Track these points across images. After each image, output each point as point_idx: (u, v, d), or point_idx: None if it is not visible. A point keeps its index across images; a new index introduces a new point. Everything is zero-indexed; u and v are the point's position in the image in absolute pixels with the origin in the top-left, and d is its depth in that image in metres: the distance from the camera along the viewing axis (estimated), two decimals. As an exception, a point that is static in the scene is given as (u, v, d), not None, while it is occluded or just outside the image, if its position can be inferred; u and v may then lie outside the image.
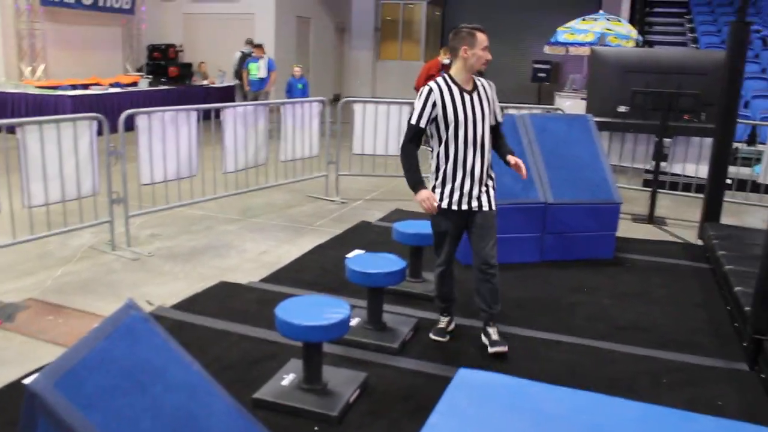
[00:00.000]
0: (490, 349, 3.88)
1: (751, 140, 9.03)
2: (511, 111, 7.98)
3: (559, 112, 8.20)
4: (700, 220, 6.50)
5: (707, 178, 6.43)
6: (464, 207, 3.78)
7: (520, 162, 3.86)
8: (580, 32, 12.19)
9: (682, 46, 15.03)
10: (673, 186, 8.03)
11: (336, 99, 15.67)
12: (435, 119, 3.66)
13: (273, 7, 16.53)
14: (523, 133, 5.89)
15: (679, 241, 6.57)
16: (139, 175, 6.00)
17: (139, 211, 6.20)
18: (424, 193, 3.69)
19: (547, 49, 15.49)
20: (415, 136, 3.69)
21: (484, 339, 4.00)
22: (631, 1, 16.79)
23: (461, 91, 3.67)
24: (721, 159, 6.22)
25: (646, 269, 5.62)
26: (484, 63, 3.69)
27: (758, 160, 7.97)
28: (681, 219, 7.43)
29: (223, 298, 4.70)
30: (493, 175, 3.93)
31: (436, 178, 3.79)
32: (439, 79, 3.69)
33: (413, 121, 3.67)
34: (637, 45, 12.70)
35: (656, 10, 16.55)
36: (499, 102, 4.00)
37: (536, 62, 21.14)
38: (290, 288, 4.86)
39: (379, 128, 7.79)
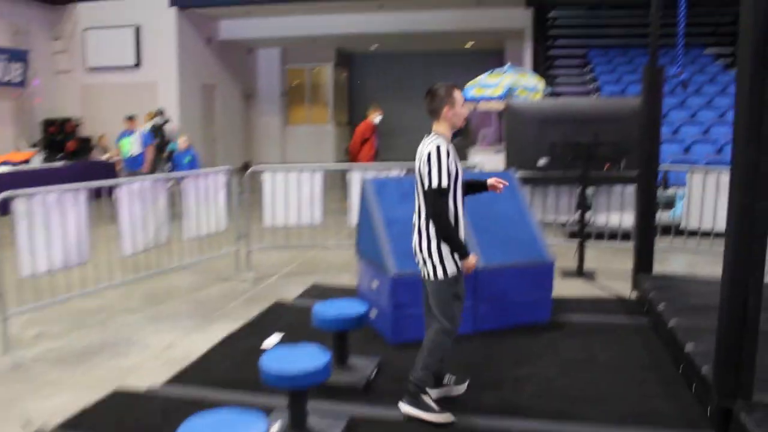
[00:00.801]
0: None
1: (664, 184, 9.07)
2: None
3: (477, 170, 7.94)
4: (632, 272, 6.27)
5: (635, 227, 6.24)
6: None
7: (496, 180, 3.96)
8: (489, 86, 12.19)
9: (584, 96, 15.39)
10: (599, 236, 7.86)
11: (246, 167, 15.14)
12: (449, 176, 3.56)
13: (176, 75, 15.96)
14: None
15: (613, 296, 6.31)
16: (18, 266, 5.25)
17: (20, 308, 5.42)
18: (473, 259, 3.65)
19: (457, 106, 15.53)
20: (445, 199, 3.56)
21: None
22: (533, 54, 17.17)
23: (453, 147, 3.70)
24: (646, 206, 6.05)
25: (586, 331, 5.29)
26: (465, 118, 3.76)
27: (671, 204, 7.95)
28: (610, 270, 7.23)
29: (119, 410, 3.99)
30: None
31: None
32: (438, 137, 3.63)
33: (443, 184, 3.52)
34: (545, 96, 12.83)
35: (557, 62, 16.97)
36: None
37: (449, 120, 21.36)
38: (199, 390, 4.21)
39: (291, 196, 7.32)
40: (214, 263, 7.42)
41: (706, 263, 7.63)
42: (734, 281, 3.32)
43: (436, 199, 3.53)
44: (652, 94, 5.79)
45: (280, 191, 7.29)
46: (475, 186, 3.98)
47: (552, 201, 7.68)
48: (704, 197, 7.27)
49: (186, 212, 6.91)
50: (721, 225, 7.21)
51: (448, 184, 3.54)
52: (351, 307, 4.28)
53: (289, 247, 7.85)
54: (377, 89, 22.43)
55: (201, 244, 7.23)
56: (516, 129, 7.39)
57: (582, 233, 6.97)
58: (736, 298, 3.30)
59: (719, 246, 7.24)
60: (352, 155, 11.37)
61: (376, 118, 11.60)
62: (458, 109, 3.70)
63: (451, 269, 3.65)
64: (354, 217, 7.49)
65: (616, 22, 17.47)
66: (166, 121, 12.52)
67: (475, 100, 13.27)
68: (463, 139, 19.67)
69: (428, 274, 3.69)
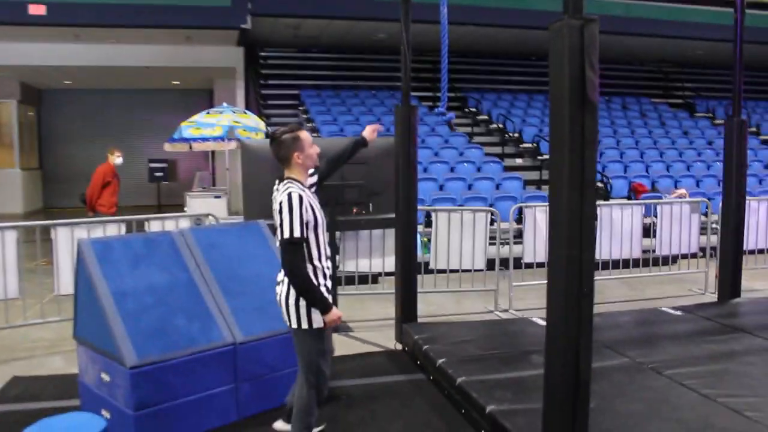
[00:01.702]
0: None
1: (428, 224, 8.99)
2: (155, 223, 6.56)
3: (211, 218, 7.00)
4: (396, 321, 5.85)
5: (396, 273, 5.84)
6: None
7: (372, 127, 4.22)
8: (207, 126, 11.28)
9: (303, 136, 15.17)
10: (349, 282, 7.41)
11: None
12: (307, 224, 3.35)
13: None
14: (187, 255, 4.54)
15: (379, 349, 5.82)
16: None
17: None
18: (336, 312, 3.45)
19: (167, 147, 14.27)
20: (300, 250, 3.34)
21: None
22: (245, 94, 16.61)
23: (310, 192, 3.56)
24: (407, 251, 5.69)
25: (365, 398, 4.67)
26: (316, 158, 3.60)
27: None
28: (364, 319, 6.79)
29: None
30: None
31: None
32: (291, 184, 3.44)
33: (295, 234, 3.29)
34: (267, 137, 12.28)
35: (270, 102, 16.63)
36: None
37: (152, 161, 19.81)
38: None
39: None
40: None
41: (452, 302, 7.63)
42: (563, 345, 2.93)
43: (290, 251, 3.32)
44: (407, 135, 5.48)
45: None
46: (353, 150, 4.15)
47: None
48: (450, 236, 7.24)
49: None
50: (465, 262, 7.38)
51: (304, 235, 3.32)
52: (80, 428, 3.10)
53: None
54: (73, 129, 20.03)
55: None
56: (253, 172, 6.60)
57: (334, 281, 6.41)
58: (567, 361, 2.91)
59: (466, 283, 7.52)
60: (90, 203, 9.81)
61: (116, 158, 10.07)
62: (308, 151, 3.53)
63: (317, 321, 3.40)
64: (64, 284, 6.06)
65: (327, 64, 17.74)
66: None
67: (191, 141, 12.28)
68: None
69: (291, 325, 3.48)
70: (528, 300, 7.73)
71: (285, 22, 14.83)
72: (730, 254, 6.79)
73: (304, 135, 3.55)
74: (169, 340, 4.00)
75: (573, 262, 2.89)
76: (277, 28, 15.27)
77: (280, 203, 3.34)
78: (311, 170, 3.71)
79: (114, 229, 6.29)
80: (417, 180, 5.71)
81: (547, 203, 10.31)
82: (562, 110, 2.85)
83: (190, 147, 13.00)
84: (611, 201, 9.75)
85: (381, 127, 4.31)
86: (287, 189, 3.39)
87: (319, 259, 3.46)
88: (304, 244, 3.35)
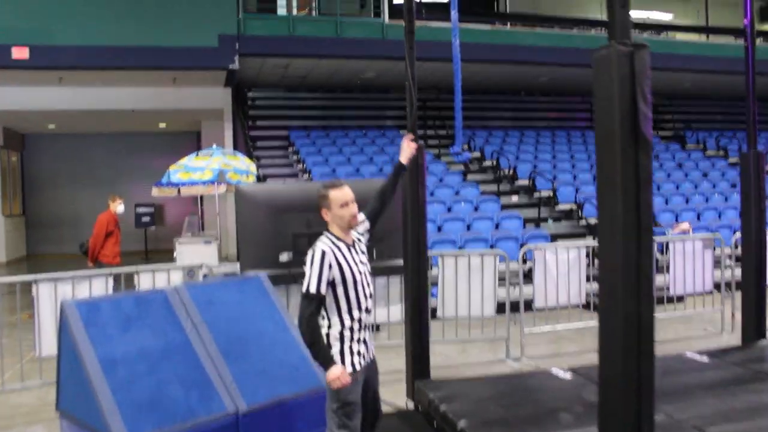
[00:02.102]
0: None
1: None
2: (145, 276, 6.15)
3: (204, 269, 6.59)
4: (407, 378, 5.43)
5: (406, 324, 5.44)
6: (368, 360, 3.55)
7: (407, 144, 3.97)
8: (196, 170, 10.92)
9: (293, 177, 14.91)
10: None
11: None
12: (332, 282, 3.37)
13: None
14: (182, 315, 4.13)
15: (391, 409, 5.37)
16: None
17: None
18: (335, 372, 3.32)
19: (155, 192, 13.93)
20: (314, 305, 3.35)
21: None
22: (233, 135, 16.31)
23: (348, 247, 3.50)
24: (417, 301, 5.29)
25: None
26: (351, 219, 3.46)
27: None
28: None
29: None
30: None
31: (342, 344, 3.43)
32: (324, 238, 3.46)
33: (311, 289, 3.32)
34: (260, 179, 11.96)
35: (258, 144, 16.33)
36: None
37: (139, 206, 19.42)
38: None
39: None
40: None
41: (457, 352, 7.23)
42: (621, 412, 2.56)
43: (303, 304, 3.33)
44: (415, 175, 5.14)
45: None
46: (395, 180, 3.92)
47: (297, 302, 6.61)
48: (458, 282, 6.86)
49: None
50: (475, 311, 7.00)
51: (321, 291, 3.32)
52: None
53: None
54: (57, 173, 19.64)
55: None
56: (249, 219, 6.24)
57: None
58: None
59: (475, 330, 7.14)
60: (92, 254, 9.43)
61: (118, 206, 9.73)
62: (336, 211, 3.44)
63: (348, 369, 3.38)
64: (46, 345, 5.61)
65: (315, 104, 17.52)
66: None
67: (180, 185, 11.93)
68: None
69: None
70: (541, 346, 7.36)
71: (273, 62, 14.61)
72: (753, 293, 6.45)
73: (334, 194, 3.45)
74: (165, 413, 3.57)
75: (630, 318, 2.53)
76: (265, 68, 15.05)
77: (307, 255, 3.40)
78: (361, 218, 3.64)
79: (101, 284, 5.85)
80: (426, 224, 5.34)
81: (551, 242, 10.03)
82: (613, 147, 2.52)
83: (179, 192, 12.69)
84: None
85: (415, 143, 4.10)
86: (318, 243, 3.43)
87: (350, 312, 3.44)
88: (330, 299, 3.39)
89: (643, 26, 18.28)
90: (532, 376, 5.63)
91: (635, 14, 16.36)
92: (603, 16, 17.48)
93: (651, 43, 11.76)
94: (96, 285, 5.80)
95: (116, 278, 6.09)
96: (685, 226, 11.38)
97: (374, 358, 3.66)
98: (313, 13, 16.06)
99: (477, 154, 16.48)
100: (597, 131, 2.61)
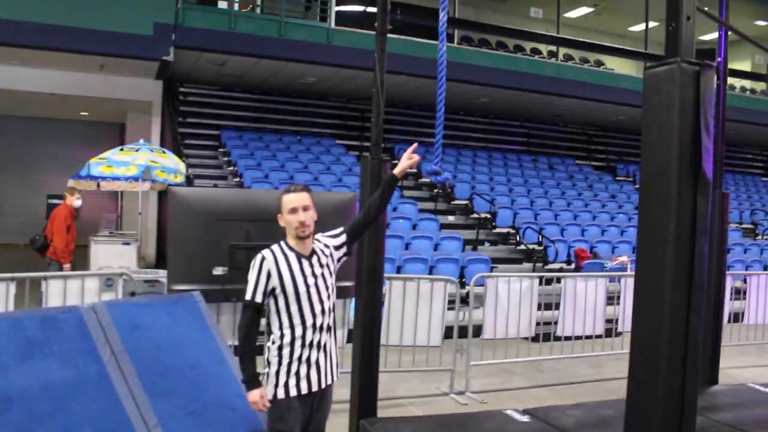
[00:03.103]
0: None
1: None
2: (55, 283, 5.36)
3: (125, 277, 5.83)
4: (351, 416, 4.86)
5: (354, 357, 4.87)
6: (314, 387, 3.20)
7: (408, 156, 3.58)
8: (120, 165, 10.05)
9: (223, 180, 14.13)
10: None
11: None
12: (272, 291, 3.15)
13: None
14: (100, 341, 3.44)
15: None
16: None
17: None
18: (253, 395, 3.06)
19: (71, 184, 12.85)
20: (251, 314, 3.14)
21: None
22: (160, 132, 15.36)
23: (299, 257, 3.23)
24: (370, 330, 4.74)
25: None
26: (298, 227, 3.19)
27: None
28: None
29: None
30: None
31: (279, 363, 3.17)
32: (275, 246, 3.24)
33: (247, 297, 3.14)
34: (189, 180, 11.15)
35: (188, 141, 15.42)
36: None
37: (51, 197, 18.09)
38: None
39: None
40: None
41: (398, 382, 6.72)
42: None
43: (242, 312, 3.16)
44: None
45: None
46: (388, 193, 3.58)
47: (230, 319, 5.94)
48: (404, 308, 6.36)
49: None
50: (421, 339, 6.52)
51: (257, 299, 3.14)
52: None
53: None
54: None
55: None
56: (182, 226, 5.51)
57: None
58: None
59: (420, 358, 6.65)
60: (58, 251, 8.75)
61: (76, 200, 8.90)
62: (285, 216, 3.23)
63: (280, 392, 3.13)
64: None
65: (250, 105, 16.75)
66: None
67: (100, 179, 11.01)
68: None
69: None
70: (484, 379, 6.93)
71: (210, 57, 13.79)
72: (710, 337, 6.24)
73: (285, 198, 3.25)
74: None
75: (672, 394, 2.07)
76: (201, 63, 14.20)
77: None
78: (337, 231, 3.48)
79: (0, 291, 5.01)
80: (384, 247, 4.82)
81: (492, 267, 9.69)
82: (666, 186, 2.07)
83: (98, 186, 11.73)
84: (576, 274, 9.09)
85: (416, 146, 3.76)
86: (265, 250, 3.23)
87: (291, 328, 3.17)
88: (272, 310, 3.19)
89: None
90: (487, 418, 5.17)
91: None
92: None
93: (589, 74, 11.67)
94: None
95: (19, 285, 5.26)
96: (623, 258, 11.30)
97: (327, 388, 3.32)
98: (257, 10, 15.35)
99: (414, 170, 16.12)
100: (644, 164, 2.15)
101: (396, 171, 3.58)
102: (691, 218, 2.06)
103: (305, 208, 3.21)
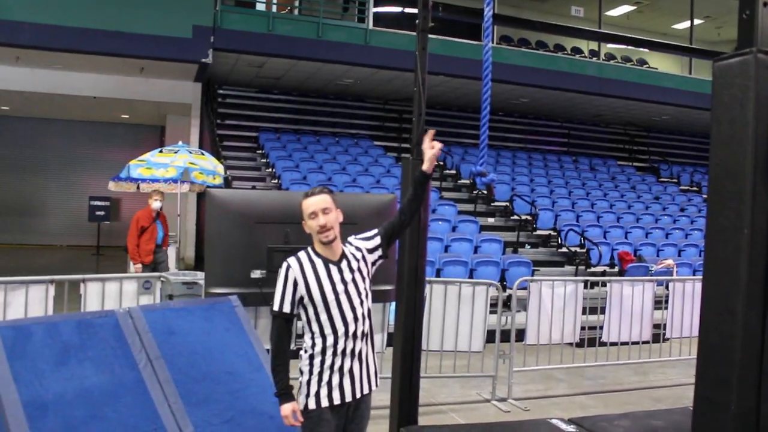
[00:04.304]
0: None
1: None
2: (93, 285, 5.35)
3: (175, 281, 5.80)
4: (390, 423, 4.74)
5: (394, 363, 4.74)
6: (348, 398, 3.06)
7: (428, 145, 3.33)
8: (159, 167, 10.08)
9: (261, 182, 14.15)
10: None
11: None
12: (301, 300, 3.04)
13: None
14: (136, 346, 3.38)
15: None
16: None
17: None
18: (285, 409, 2.98)
19: (112, 186, 13.01)
20: (281, 324, 3.06)
21: None
22: (200, 132, 15.45)
23: (326, 263, 3.09)
24: (411, 335, 4.61)
25: None
26: (319, 231, 3.03)
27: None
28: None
29: None
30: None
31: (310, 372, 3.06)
32: (301, 252, 3.13)
33: (274, 307, 3.07)
34: (227, 181, 11.16)
35: (226, 143, 15.47)
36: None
37: (93, 198, 18.40)
38: None
39: None
40: None
41: (438, 387, 6.57)
42: None
43: (272, 322, 3.09)
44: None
45: None
46: (420, 191, 3.41)
47: (267, 324, 5.87)
48: (446, 312, 6.22)
49: None
50: (463, 344, 6.37)
51: (285, 309, 3.04)
52: None
53: None
54: (7, 159, 18.45)
55: None
56: (219, 228, 5.46)
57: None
58: None
59: (462, 363, 6.50)
60: (131, 253, 8.98)
61: (154, 202, 8.96)
62: (306, 221, 3.09)
63: (311, 402, 3.02)
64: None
65: (288, 107, 16.76)
66: None
67: (139, 181, 11.08)
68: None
69: None
70: (527, 386, 6.75)
71: (248, 59, 13.83)
72: None
73: (305, 203, 3.08)
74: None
75: (746, 417, 1.90)
76: (239, 65, 14.25)
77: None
78: (371, 233, 3.32)
79: (39, 292, 5.02)
80: (426, 250, 4.68)
81: (536, 271, 9.48)
82: (739, 186, 1.89)
83: (138, 187, 11.82)
84: (623, 278, 8.82)
85: (437, 143, 3.37)
86: (292, 257, 3.13)
87: (322, 336, 3.06)
88: (304, 319, 3.08)
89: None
90: (531, 428, 4.99)
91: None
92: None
93: (632, 73, 11.34)
94: (33, 295, 4.96)
95: (59, 288, 5.26)
96: (669, 262, 10.96)
97: (363, 398, 3.17)
98: (295, 12, 15.35)
99: (453, 171, 15.95)
100: (714, 164, 1.98)
101: (425, 167, 3.37)
102: (767, 223, 1.88)
103: (325, 211, 3.04)
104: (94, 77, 13.68)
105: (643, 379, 7.34)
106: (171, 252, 10.82)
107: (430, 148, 3.34)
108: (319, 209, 3.04)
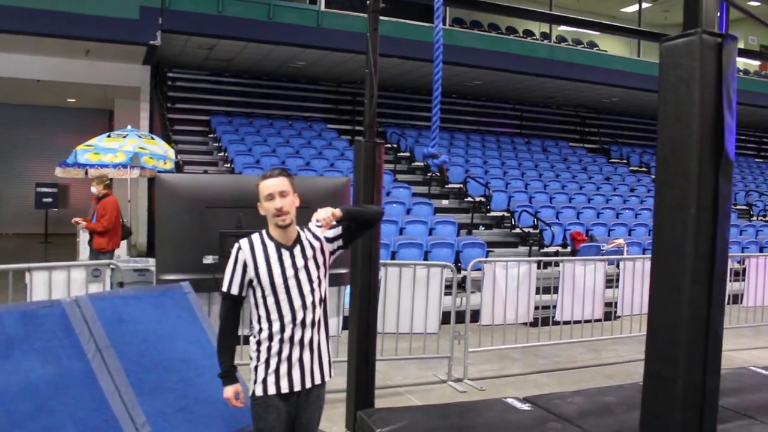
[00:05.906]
0: None
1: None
2: (39, 275, 5.19)
3: (125, 268, 5.67)
4: (347, 405, 4.74)
5: (350, 348, 4.74)
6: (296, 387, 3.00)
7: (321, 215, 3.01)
8: (107, 152, 9.82)
9: (213, 166, 13.94)
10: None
11: None
12: (251, 283, 3.01)
13: None
14: (84, 336, 3.29)
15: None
16: None
17: None
18: (227, 391, 3.01)
19: (59, 172, 12.74)
20: (228, 305, 3.03)
21: None
22: (149, 118, 15.11)
23: (278, 247, 3.03)
24: (366, 319, 4.60)
25: None
26: (275, 214, 2.96)
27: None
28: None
29: None
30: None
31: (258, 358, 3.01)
32: (253, 234, 3.09)
33: (223, 288, 3.04)
34: (178, 166, 10.95)
35: (177, 127, 15.17)
36: None
37: (40, 185, 17.88)
38: None
39: None
40: None
41: (394, 369, 6.60)
42: None
43: (221, 303, 3.06)
44: (371, 176, 4.45)
45: None
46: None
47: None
48: (401, 294, 6.24)
49: None
50: (418, 326, 6.40)
51: (233, 291, 3.02)
52: None
53: None
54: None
55: None
56: (169, 213, 5.36)
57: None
58: None
59: (417, 345, 6.55)
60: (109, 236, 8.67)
61: (92, 187, 8.97)
62: (263, 203, 3.02)
63: (258, 389, 2.98)
64: None
65: (240, 90, 16.51)
66: None
67: (87, 166, 10.82)
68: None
69: None
70: (482, 366, 6.83)
71: (198, 41, 13.55)
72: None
73: (262, 185, 3.01)
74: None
75: (693, 389, 1.94)
76: (189, 47, 13.96)
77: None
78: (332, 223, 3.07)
79: None
80: (380, 232, 4.67)
81: (503, 259, 9.60)
82: (686, 167, 1.92)
83: (86, 173, 11.54)
84: (575, 257, 8.99)
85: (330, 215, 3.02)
86: (244, 239, 3.08)
87: (269, 322, 2.99)
88: (252, 302, 3.03)
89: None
90: (487, 407, 5.05)
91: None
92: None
93: (583, 55, 11.50)
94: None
95: (2, 275, 5.10)
96: (620, 241, 11.19)
97: (315, 388, 3.09)
98: (245, -8, 15.06)
99: (407, 153, 15.97)
100: (661, 144, 2.00)
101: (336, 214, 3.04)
102: (712, 201, 1.91)
103: (282, 194, 2.96)
104: (38, 59, 13.23)
105: (595, 356, 7.50)
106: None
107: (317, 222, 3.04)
108: (277, 192, 2.96)
